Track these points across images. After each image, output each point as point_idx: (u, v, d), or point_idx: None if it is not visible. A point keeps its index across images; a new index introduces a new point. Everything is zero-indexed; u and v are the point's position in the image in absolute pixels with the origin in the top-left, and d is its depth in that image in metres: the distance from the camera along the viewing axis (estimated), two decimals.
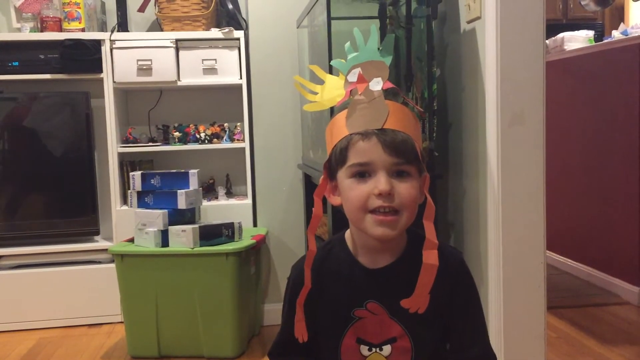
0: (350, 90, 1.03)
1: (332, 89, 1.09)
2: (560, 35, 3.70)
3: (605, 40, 3.46)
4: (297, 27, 2.89)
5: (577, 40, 3.63)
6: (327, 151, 1.08)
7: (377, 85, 1.01)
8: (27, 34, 2.99)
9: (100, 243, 3.07)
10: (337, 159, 1.04)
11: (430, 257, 0.99)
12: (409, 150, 0.99)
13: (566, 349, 2.49)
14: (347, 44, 1.09)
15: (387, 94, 1.02)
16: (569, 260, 3.65)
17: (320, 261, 1.08)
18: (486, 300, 1.99)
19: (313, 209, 1.06)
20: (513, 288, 1.92)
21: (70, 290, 2.98)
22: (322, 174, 1.09)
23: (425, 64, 2.14)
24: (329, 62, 2.11)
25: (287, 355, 1.17)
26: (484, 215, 2.00)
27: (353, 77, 1.03)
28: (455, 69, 2.22)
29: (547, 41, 3.69)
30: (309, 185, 2.80)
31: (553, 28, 3.69)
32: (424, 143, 2.10)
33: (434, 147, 2.12)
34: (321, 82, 1.13)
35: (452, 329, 1.11)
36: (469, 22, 2.07)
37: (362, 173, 1.00)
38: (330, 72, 2.11)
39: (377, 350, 1.09)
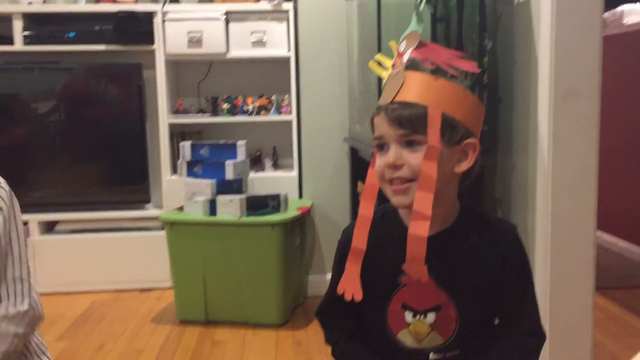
0: (393, 65, 1.05)
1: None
2: (620, 8, 3.55)
3: None
4: (346, 0, 2.87)
5: (637, 13, 3.48)
6: None
7: (406, 57, 1.03)
8: (82, 6, 3.07)
9: (151, 211, 3.16)
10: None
11: (416, 227, 0.99)
12: (415, 121, 1.00)
13: (614, 330, 2.44)
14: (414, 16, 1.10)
15: (410, 64, 1.03)
16: (622, 240, 3.55)
17: (372, 225, 1.09)
18: (533, 277, 1.96)
19: (367, 178, 1.08)
20: (561, 266, 1.89)
21: (122, 255, 3.09)
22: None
23: (477, 36, 2.10)
24: (378, 34, 2.09)
25: (333, 316, 1.19)
26: (533, 192, 1.96)
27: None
28: (507, 41, 2.17)
29: (605, 14, 3.55)
30: (355, 158, 2.81)
31: (612, 1, 3.54)
32: None
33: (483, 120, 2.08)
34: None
35: (503, 303, 1.11)
36: None
37: (381, 145, 1.04)
38: (379, 46, 2.10)
39: (421, 317, 1.10)
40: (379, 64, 1.13)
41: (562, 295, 1.90)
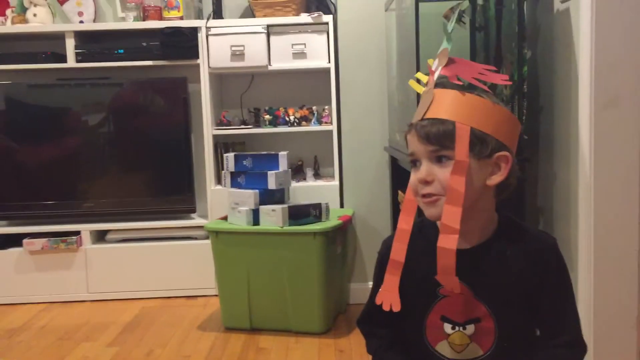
0: (427, 82, 1.10)
1: None
2: None
3: None
4: (385, 11, 2.90)
5: None
6: None
7: (436, 74, 1.07)
8: (130, 23, 3.19)
9: (196, 220, 3.25)
10: None
11: (445, 240, 1.02)
12: (443, 137, 1.03)
13: None
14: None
15: (439, 82, 1.07)
16: None
17: (411, 238, 1.12)
18: (576, 288, 1.94)
19: (406, 193, 1.12)
20: (604, 276, 1.87)
21: (170, 263, 3.19)
22: None
23: (516, 45, 2.10)
24: (416, 45, 2.12)
25: (374, 325, 1.23)
26: (575, 201, 1.95)
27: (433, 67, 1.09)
28: (547, 50, 2.17)
29: None
30: (395, 167, 2.83)
31: None
32: None
33: (523, 130, 2.08)
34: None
35: (542, 315, 1.12)
36: (562, 2, 2.00)
37: (414, 162, 1.08)
38: (418, 57, 2.12)
39: (461, 329, 1.12)
40: (419, 81, 1.16)
41: (606, 305, 1.88)
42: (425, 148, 1.05)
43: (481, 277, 1.09)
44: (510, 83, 2.06)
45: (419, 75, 1.18)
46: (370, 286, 1.24)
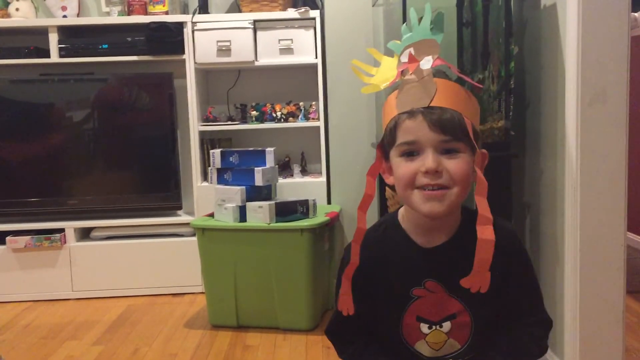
0: (402, 71, 1.05)
1: (387, 70, 1.09)
2: None
3: None
4: (373, 6, 2.89)
5: None
6: (383, 132, 1.11)
7: (427, 63, 1.01)
8: (115, 18, 3.15)
9: (182, 217, 3.23)
10: (387, 139, 1.06)
11: (485, 232, 0.98)
12: (457, 127, 0.99)
13: None
14: (404, 26, 1.10)
15: (437, 71, 1.03)
16: None
17: (375, 242, 1.10)
18: (562, 282, 1.95)
19: (365, 188, 1.08)
20: (591, 270, 1.88)
21: (156, 261, 3.16)
22: (376, 154, 1.11)
23: (503, 41, 2.10)
24: None
25: (343, 334, 1.20)
26: (562, 196, 1.95)
27: (405, 57, 1.04)
28: (534, 46, 2.17)
29: (634, 14, 3.50)
30: None
31: None
32: (499, 122, 2.07)
33: (510, 126, 2.09)
34: (378, 64, 1.15)
35: (511, 299, 1.13)
36: None
37: (411, 152, 1.02)
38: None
39: (437, 327, 1.12)
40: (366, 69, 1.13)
41: (592, 299, 1.88)
42: (436, 137, 0.99)
43: (453, 273, 1.08)
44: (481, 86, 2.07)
45: (360, 63, 1.13)
46: None
